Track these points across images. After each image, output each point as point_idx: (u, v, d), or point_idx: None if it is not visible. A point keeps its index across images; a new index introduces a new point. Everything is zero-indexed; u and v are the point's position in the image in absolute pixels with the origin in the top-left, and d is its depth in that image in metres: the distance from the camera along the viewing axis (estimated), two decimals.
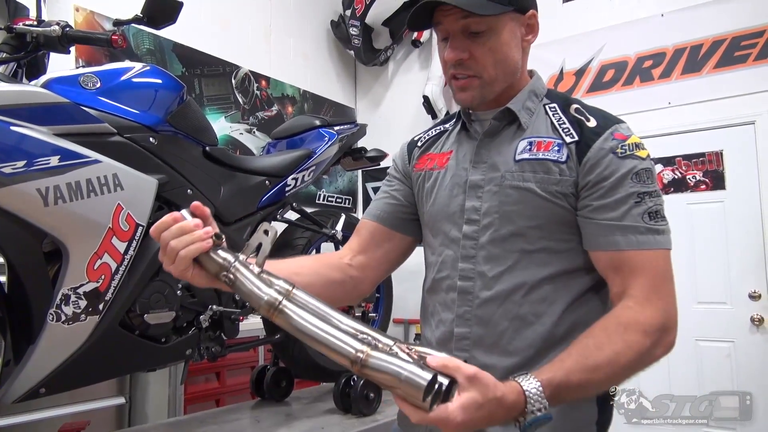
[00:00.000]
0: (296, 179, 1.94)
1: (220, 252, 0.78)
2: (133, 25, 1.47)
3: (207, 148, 1.68)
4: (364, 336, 0.71)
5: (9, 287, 1.28)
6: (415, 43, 3.99)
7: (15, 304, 1.27)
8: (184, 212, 0.79)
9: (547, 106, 1.00)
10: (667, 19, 3.10)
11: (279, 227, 1.92)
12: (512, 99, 0.99)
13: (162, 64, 2.85)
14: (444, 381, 0.67)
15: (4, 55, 1.38)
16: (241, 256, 0.78)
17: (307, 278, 0.94)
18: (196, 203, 0.80)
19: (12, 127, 1.16)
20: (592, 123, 0.94)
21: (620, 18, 3.24)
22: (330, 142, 2.05)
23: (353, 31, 3.82)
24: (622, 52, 3.22)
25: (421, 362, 0.67)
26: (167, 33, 2.62)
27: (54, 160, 1.21)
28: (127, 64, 1.56)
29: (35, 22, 1.45)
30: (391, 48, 4.06)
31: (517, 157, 0.95)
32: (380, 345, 0.70)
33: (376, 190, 3.37)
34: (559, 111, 0.98)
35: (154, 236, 0.79)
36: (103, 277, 1.32)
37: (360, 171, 4.09)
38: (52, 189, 1.20)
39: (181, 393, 2.37)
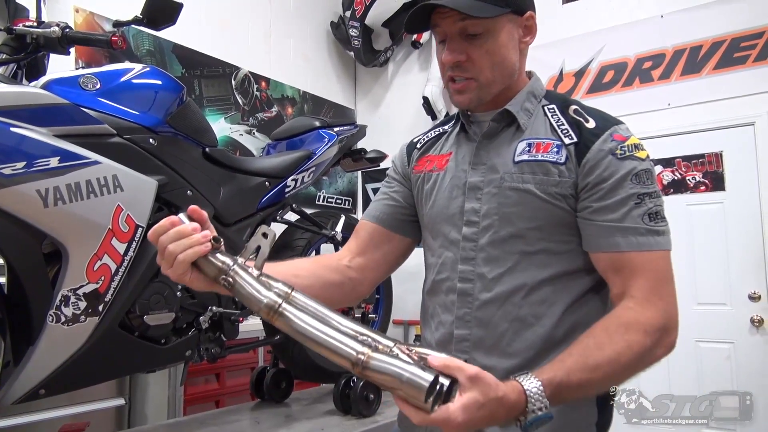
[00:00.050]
0: (296, 180, 1.94)
1: (218, 255, 0.78)
2: (132, 26, 1.47)
3: (207, 149, 1.68)
4: (365, 338, 0.71)
5: (9, 288, 1.28)
6: (415, 45, 3.99)
7: (15, 305, 1.26)
8: (182, 216, 0.79)
9: (545, 108, 1.00)
10: (666, 20, 3.10)
11: (279, 228, 1.93)
12: (511, 100, 0.99)
13: (162, 65, 2.85)
14: (445, 382, 0.67)
15: (4, 56, 1.38)
16: (240, 259, 0.78)
17: (306, 280, 0.94)
18: (193, 207, 0.80)
19: (12, 128, 1.16)
20: (591, 124, 0.94)
21: (620, 19, 3.25)
22: (330, 143, 2.06)
23: (353, 32, 3.82)
24: (622, 53, 3.22)
25: (422, 363, 0.67)
26: (167, 34, 2.62)
27: (54, 161, 1.21)
28: (126, 65, 1.56)
29: (35, 23, 1.45)
30: (390, 49, 4.06)
31: (516, 159, 0.95)
32: (380, 347, 0.70)
33: (375, 191, 3.37)
34: (557, 112, 0.98)
35: (152, 240, 0.79)
36: (102, 278, 1.32)
37: (360, 172, 4.09)
38: (51, 190, 1.20)
39: (181, 394, 2.36)
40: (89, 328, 1.31)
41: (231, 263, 0.77)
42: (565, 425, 0.88)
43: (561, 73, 3.41)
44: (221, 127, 3.20)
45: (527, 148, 0.96)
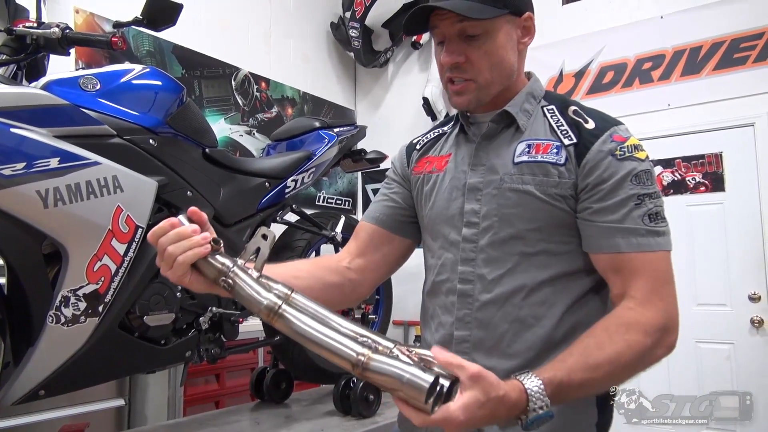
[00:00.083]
0: (296, 181, 1.94)
1: (218, 257, 0.78)
2: (133, 27, 1.47)
3: (207, 150, 1.68)
4: (365, 339, 0.71)
5: (9, 289, 1.28)
6: (415, 45, 4.00)
7: (14, 305, 1.26)
8: (182, 217, 0.79)
9: (545, 108, 1.00)
10: (666, 21, 3.10)
11: (278, 229, 1.93)
12: (510, 101, 0.99)
13: (162, 65, 2.86)
14: (445, 383, 0.67)
15: (4, 57, 1.38)
16: (240, 261, 0.78)
17: (306, 282, 0.94)
18: (193, 208, 0.80)
19: (12, 129, 1.16)
20: (591, 125, 0.94)
21: (620, 20, 3.25)
22: (330, 144, 2.06)
23: (353, 32, 3.82)
24: (622, 53, 3.22)
25: (422, 364, 0.67)
26: (167, 35, 2.62)
27: (54, 162, 1.21)
28: (126, 65, 1.56)
29: (35, 24, 1.45)
30: (390, 50, 4.06)
31: (516, 160, 0.95)
32: (380, 348, 0.70)
33: (375, 191, 3.37)
34: (557, 113, 0.98)
35: (152, 242, 0.79)
36: (102, 278, 1.32)
37: (360, 173, 4.09)
38: (51, 191, 1.20)
39: (181, 395, 2.37)
40: (89, 328, 1.31)
41: (231, 265, 0.77)
42: (565, 425, 0.88)
43: (561, 73, 3.41)
44: (221, 127, 3.20)
45: (527, 149, 0.96)
